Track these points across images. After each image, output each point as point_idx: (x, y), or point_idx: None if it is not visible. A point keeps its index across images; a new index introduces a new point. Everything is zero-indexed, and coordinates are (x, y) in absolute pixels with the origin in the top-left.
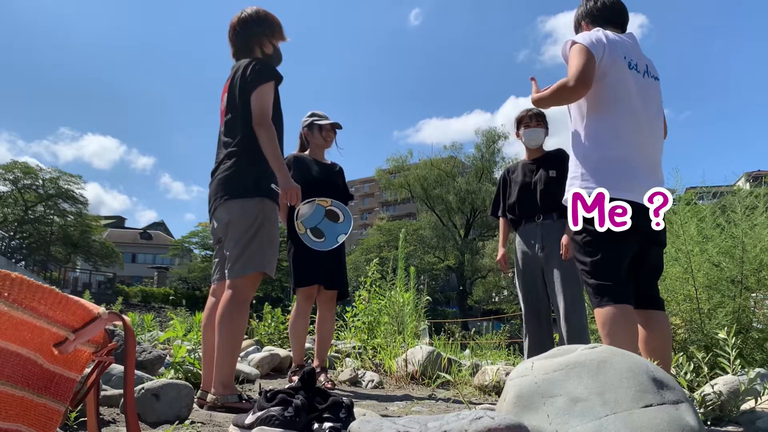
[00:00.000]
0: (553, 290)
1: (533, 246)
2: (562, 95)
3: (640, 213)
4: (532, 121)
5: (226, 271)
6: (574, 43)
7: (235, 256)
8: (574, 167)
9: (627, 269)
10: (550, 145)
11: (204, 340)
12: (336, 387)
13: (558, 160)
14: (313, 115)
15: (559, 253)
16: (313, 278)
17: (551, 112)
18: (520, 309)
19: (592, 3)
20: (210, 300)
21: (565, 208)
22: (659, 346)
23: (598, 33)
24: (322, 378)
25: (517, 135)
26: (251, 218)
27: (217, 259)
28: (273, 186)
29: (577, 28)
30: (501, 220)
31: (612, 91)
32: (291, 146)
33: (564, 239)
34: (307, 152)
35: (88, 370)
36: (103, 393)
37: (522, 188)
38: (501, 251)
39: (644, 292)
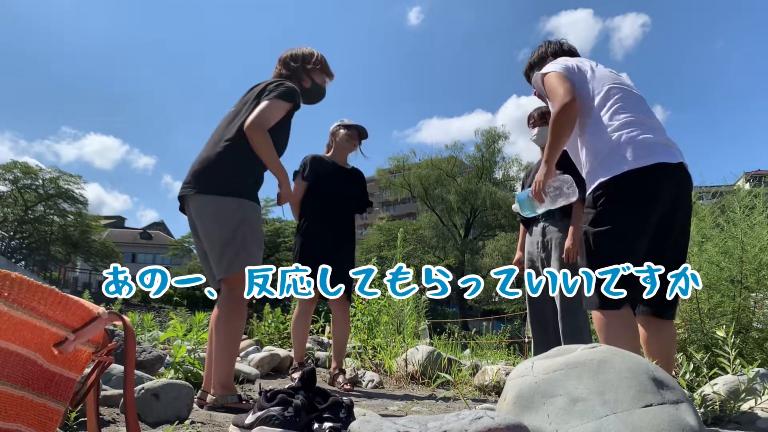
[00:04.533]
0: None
1: (537, 246)
2: (564, 119)
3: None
4: (538, 120)
5: (214, 270)
6: (545, 74)
7: (219, 254)
8: (591, 160)
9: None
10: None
11: (210, 340)
12: (353, 389)
13: (565, 158)
14: (342, 121)
15: (559, 253)
16: None
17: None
18: (523, 309)
19: (555, 45)
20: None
21: (569, 207)
22: (662, 348)
23: (566, 61)
24: (340, 379)
25: (530, 128)
26: (230, 212)
27: (199, 258)
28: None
29: (539, 65)
30: (521, 225)
31: (599, 97)
32: (298, 148)
33: (567, 242)
34: (330, 153)
35: (88, 370)
36: (103, 393)
37: None
38: (518, 254)
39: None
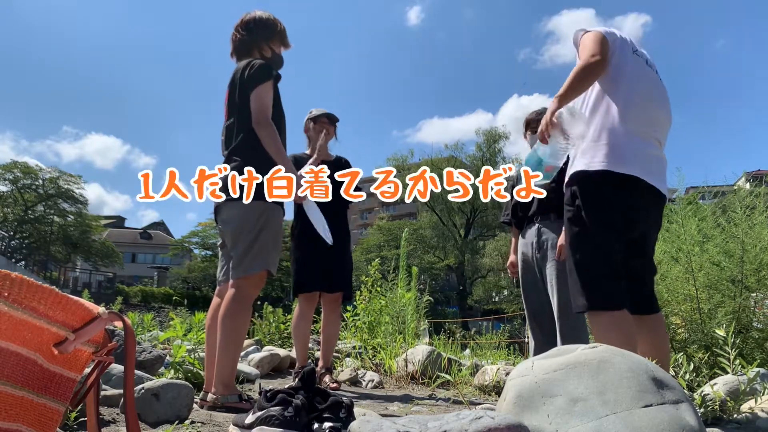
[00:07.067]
0: (550, 289)
1: (532, 246)
2: (587, 72)
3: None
4: (536, 125)
5: (230, 270)
6: (587, 31)
7: (240, 256)
8: (593, 144)
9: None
10: None
11: (208, 341)
12: (340, 387)
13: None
14: (310, 113)
15: (555, 254)
16: (313, 284)
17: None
18: (522, 309)
19: None
20: (215, 301)
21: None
22: (656, 347)
23: (608, 28)
24: (326, 379)
25: (525, 137)
26: (254, 219)
27: (222, 261)
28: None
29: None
30: (513, 227)
31: (631, 80)
32: (295, 145)
33: (560, 241)
34: (308, 150)
35: (88, 370)
36: (103, 393)
37: None
38: (511, 257)
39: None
